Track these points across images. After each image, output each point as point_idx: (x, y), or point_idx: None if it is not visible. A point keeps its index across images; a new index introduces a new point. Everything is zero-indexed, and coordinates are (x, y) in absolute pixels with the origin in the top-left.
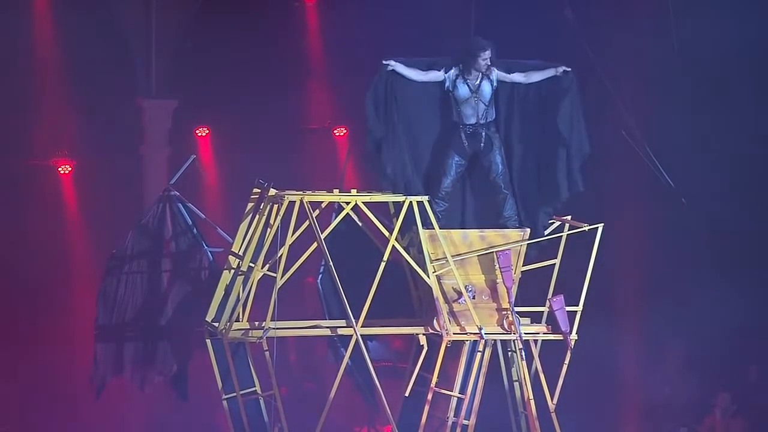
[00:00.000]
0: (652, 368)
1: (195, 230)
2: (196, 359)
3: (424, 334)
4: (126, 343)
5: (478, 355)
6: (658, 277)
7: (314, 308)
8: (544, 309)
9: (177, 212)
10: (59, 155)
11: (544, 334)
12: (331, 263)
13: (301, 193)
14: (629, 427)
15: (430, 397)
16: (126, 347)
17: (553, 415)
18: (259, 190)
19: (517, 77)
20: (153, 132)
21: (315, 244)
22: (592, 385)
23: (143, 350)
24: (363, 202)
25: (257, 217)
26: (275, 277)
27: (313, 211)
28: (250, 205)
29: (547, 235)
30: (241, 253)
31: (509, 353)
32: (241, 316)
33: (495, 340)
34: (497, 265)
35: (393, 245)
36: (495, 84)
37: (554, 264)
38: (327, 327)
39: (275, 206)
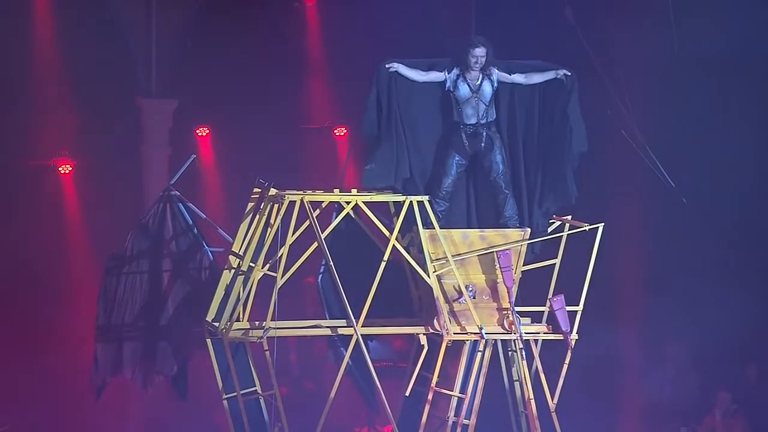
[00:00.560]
0: (652, 368)
1: (195, 230)
2: (196, 359)
3: (424, 334)
4: (126, 343)
5: (479, 354)
6: (658, 276)
7: (314, 308)
8: (545, 309)
9: (177, 212)
10: (59, 155)
11: (544, 333)
12: (331, 263)
13: (301, 192)
14: (629, 427)
15: (430, 396)
16: (126, 347)
17: (554, 415)
18: (260, 190)
19: (518, 78)
20: (153, 132)
21: (315, 244)
22: (592, 385)
23: (143, 350)
24: (363, 202)
25: (257, 216)
26: (275, 277)
27: (314, 211)
28: (250, 204)
29: (547, 235)
30: (241, 253)
31: (510, 353)
32: (241, 316)
33: (495, 339)
34: (498, 265)
35: (393, 245)
36: (496, 84)
37: (554, 264)
38: (327, 327)
39: (275, 206)
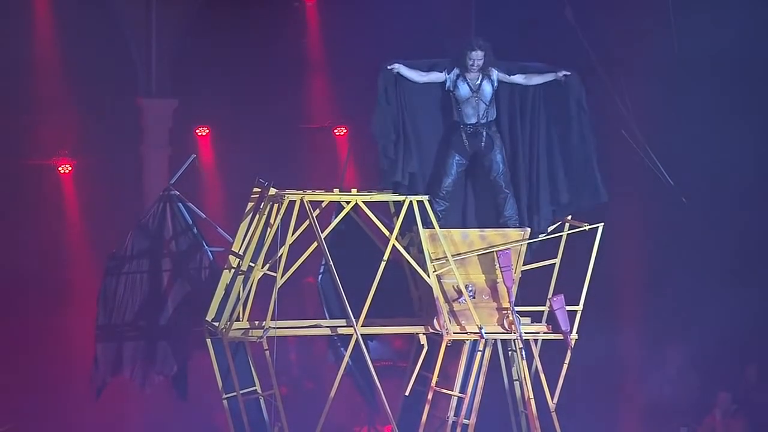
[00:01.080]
0: (652, 368)
1: (195, 230)
2: (196, 359)
3: (424, 334)
4: (126, 342)
5: (479, 354)
6: (658, 277)
7: (314, 308)
8: (545, 308)
9: (177, 212)
10: (59, 155)
11: (544, 333)
12: (331, 263)
13: (301, 192)
14: (629, 427)
15: (430, 396)
16: (126, 347)
17: (554, 415)
18: (260, 190)
19: (518, 78)
20: (153, 132)
21: (315, 244)
22: (592, 385)
23: (143, 350)
24: (363, 202)
25: (257, 216)
26: (275, 277)
27: (314, 211)
28: (250, 204)
29: (547, 235)
30: (241, 253)
31: (509, 352)
32: (241, 316)
33: (495, 339)
34: (497, 265)
35: (393, 245)
36: (496, 84)
37: (554, 264)
38: (327, 326)
39: (275, 206)
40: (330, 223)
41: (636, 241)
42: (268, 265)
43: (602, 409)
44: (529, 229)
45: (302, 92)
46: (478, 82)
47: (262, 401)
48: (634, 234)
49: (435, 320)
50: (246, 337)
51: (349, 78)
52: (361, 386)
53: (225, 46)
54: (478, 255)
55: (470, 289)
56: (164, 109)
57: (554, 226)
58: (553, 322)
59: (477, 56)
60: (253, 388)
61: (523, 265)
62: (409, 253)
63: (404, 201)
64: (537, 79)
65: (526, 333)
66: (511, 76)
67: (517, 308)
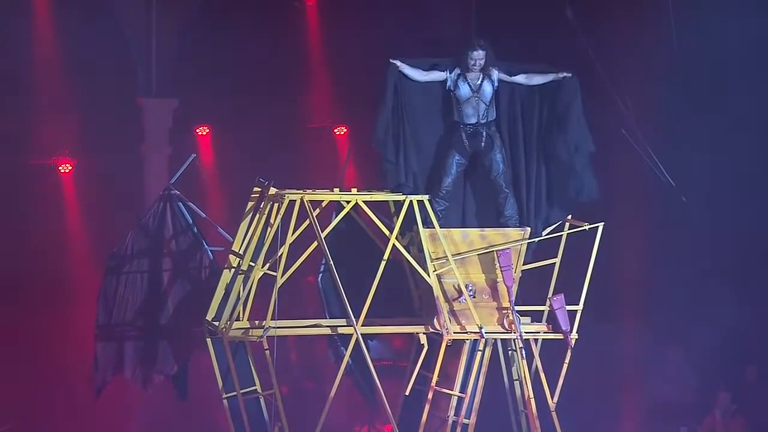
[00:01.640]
0: (652, 368)
1: (195, 229)
2: (196, 359)
3: (424, 333)
4: (126, 342)
5: (479, 354)
6: (658, 276)
7: (315, 307)
8: (545, 308)
9: (177, 211)
10: (59, 155)
11: (544, 333)
12: (331, 262)
13: (301, 192)
14: (629, 427)
15: (430, 396)
16: (126, 347)
17: (554, 414)
18: (260, 189)
19: (519, 78)
20: (153, 131)
21: (315, 243)
22: (592, 385)
23: (143, 350)
24: (363, 201)
25: (257, 216)
26: (275, 276)
27: (314, 210)
28: (250, 204)
29: (547, 235)
30: (241, 252)
31: (510, 352)
32: (241, 315)
33: (495, 339)
34: (497, 264)
35: (393, 244)
36: (496, 84)
37: (554, 264)
38: (327, 326)
39: (275, 205)
40: (330, 223)
41: (636, 241)
42: (268, 264)
43: (602, 409)
44: (529, 229)
45: (302, 92)
46: (479, 82)
47: (262, 401)
48: (634, 234)
49: (435, 320)
50: (246, 337)
51: (349, 78)
52: (361, 386)
53: (225, 46)
54: (478, 254)
55: (470, 288)
56: (164, 109)
57: (554, 225)
58: (553, 322)
59: (478, 56)
60: (253, 388)
61: (524, 265)
62: (409, 253)
63: (404, 201)
64: (538, 79)
65: (526, 333)
66: (513, 77)
67: (517, 308)
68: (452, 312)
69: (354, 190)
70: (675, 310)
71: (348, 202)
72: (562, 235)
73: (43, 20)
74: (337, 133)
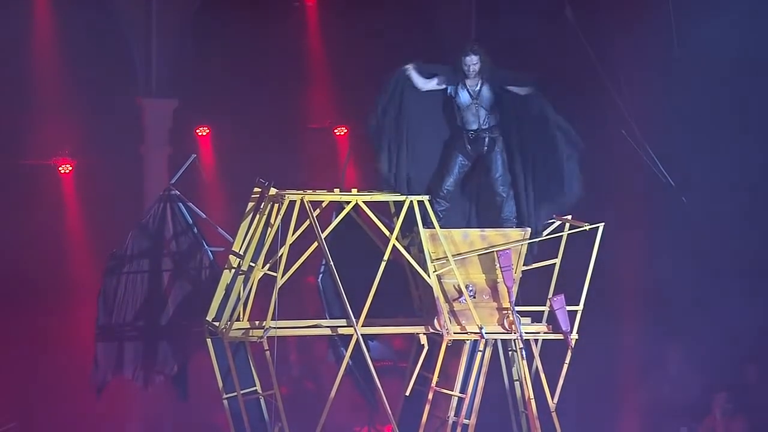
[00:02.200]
0: (652, 368)
1: (195, 230)
2: (196, 359)
3: (424, 334)
4: (126, 342)
5: (479, 354)
6: (658, 276)
7: (315, 308)
8: (545, 308)
9: (177, 212)
10: (59, 155)
11: (544, 333)
12: (331, 263)
13: (301, 192)
14: (629, 427)
15: (430, 396)
16: (126, 347)
17: (554, 415)
18: (260, 190)
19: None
20: (153, 132)
21: (315, 244)
22: (592, 385)
23: (143, 350)
24: (363, 202)
25: (258, 216)
26: (276, 277)
27: (314, 211)
28: (250, 204)
29: (547, 235)
30: (241, 253)
31: (510, 352)
32: (241, 316)
33: (495, 339)
34: (498, 265)
35: (393, 245)
36: (496, 90)
37: (554, 264)
38: (327, 326)
39: (276, 205)
40: (330, 223)
41: (636, 241)
42: (268, 265)
43: (602, 409)
44: (529, 230)
45: (302, 92)
46: (477, 88)
47: (262, 401)
48: (634, 234)
49: (435, 320)
50: (246, 337)
51: (349, 78)
52: (361, 386)
53: (225, 46)
54: (478, 255)
55: (471, 289)
56: (164, 109)
57: (554, 226)
58: (553, 322)
59: (472, 61)
60: (254, 388)
61: (524, 266)
62: (409, 253)
63: (404, 201)
64: (517, 90)
65: (526, 333)
66: (516, 88)
67: (517, 308)
68: (452, 312)
69: (354, 191)
70: (675, 310)
71: (348, 202)
72: (562, 235)
73: (43, 20)
74: (337, 133)
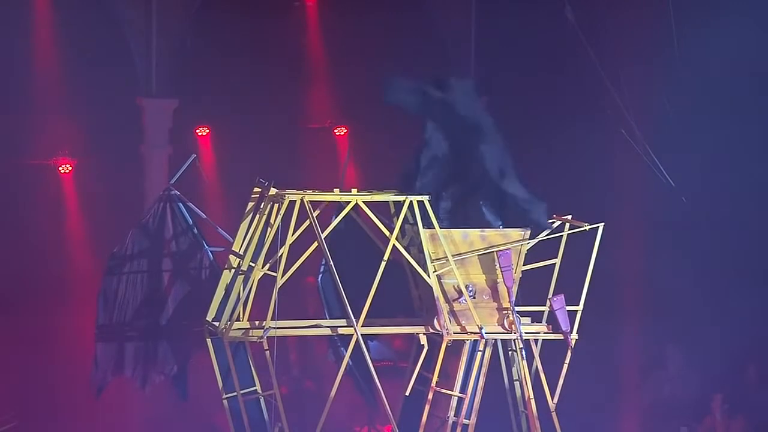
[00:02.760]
0: (652, 368)
1: (195, 230)
2: (196, 359)
3: (424, 334)
4: (126, 342)
5: (479, 354)
6: (658, 276)
7: (314, 308)
8: (545, 308)
9: (177, 212)
10: (59, 155)
11: (544, 333)
12: (331, 263)
13: (301, 192)
14: (629, 427)
15: (430, 396)
16: (126, 347)
17: (554, 415)
18: (260, 190)
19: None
20: (153, 132)
21: (315, 244)
22: (592, 385)
23: (143, 350)
24: (363, 202)
25: (258, 216)
26: (276, 277)
27: (314, 211)
28: (250, 204)
29: (547, 235)
30: (241, 253)
31: (510, 353)
32: (241, 316)
33: (495, 339)
34: (498, 265)
35: (393, 244)
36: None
37: (554, 264)
38: (327, 326)
39: (276, 205)
40: (330, 223)
41: (636, 241)
42: (268, 265)
43: (602, 409)
44: (529, 230)
45: (302, 92)
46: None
47: (262, 401)
48: (634, 234)
49: (435, 320)
50: (246, 337)
51: (349, 78)
52: (361, 386)
53: (225, 46)
54: (478, 255)
55: (470, 289)
56: (164, 109)
57: (554, 226)
58: (553, 322)
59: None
60: (254, 388)
61: (524, 266)
62: (409, 253)
63: (404, 201)
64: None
65: (526, 333)
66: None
67: (517, 308)
68: (452, 312)
69: (354, 191)
70: (675, 310)
71: (348, 202)
72: (562, 235)
73: (43, 20)
74: (337, 133)
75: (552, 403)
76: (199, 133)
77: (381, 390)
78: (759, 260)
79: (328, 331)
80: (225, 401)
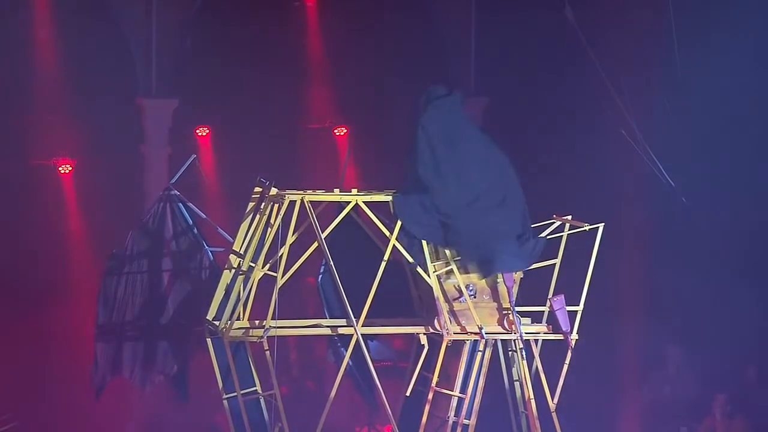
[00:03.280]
0: (652, 368)
1: (195, 230)
2: (196, 359)
3: (424, 334)
4: (126, 343)
5: (479, 354)
6: (658, 277)
7: (314, 308)
8: (545, 309)
9: (177, 212)
10: (59, 155)
11: (544, 333)
12: (331, 263)
13: (301, 192)
14: (629, 427)
15: (430, 396)
16: (126, 347)
17: (554, 415)
18: (260, 190)
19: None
20: (153, 132)
21: (315, 244)
22: (592, 385)
23: (143, 350)
24: (363, 202)
25: (258, 216)
26: (276, 277)
27: (314, 211)
28: (250, 204)
29: (547, 235)
30: (241, 253)
31: (510, 353)
32: (241, 316)
33: (495, 339)
34: None
35: (393, 245)
36: None
37: (554, 264)
38: (327, 326)
39: (276, 206)
40: (330, 223)
41: (636, 241)
42: (268, 265)
43: (602, 409)
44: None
45: (302, 92)
46: None
47: (262, 401)
48: (634, 234)
49: (435, 320)
50: (246, 337)
51: (349, 78)
52: (361, 386)
53: (225, 46)
54: None
55: (471, 289)
56: (164, 109)
57: (554, 226)
58: (553, 323)
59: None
60: (254, 388)
61: None
62: (409, 253)
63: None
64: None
65: (526, 333)
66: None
67: (517, 308)
68: (452, 312)
69: (354, 191)
70: (675, 310)
71: (348, 202)
72: (562, 235)
73: (43, 20)
74: (337, 133)
75: (552, 404)
76: (199, 133)
77: (381, 390)
78: (759, 260)
79: (328, 331)
80: (225, 401)
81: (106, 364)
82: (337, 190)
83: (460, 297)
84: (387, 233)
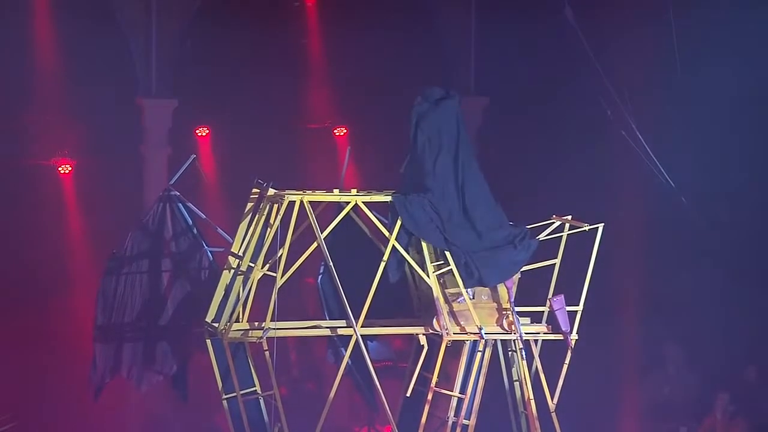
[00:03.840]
0: (652, 368)
1: (195, 230)
2: (196, 359)
3: (424, 334)
4: (125, 343)
5: (479, 354)
6: (658, 277)
7: (314, 308)
8: (545, 309)
9: (177, 212)
10: (59, 155)
11: (544, 333)
12: (331, 263)
13: (301, 192)
14: (629, 427)
15: (430, 396)
16: (125, 347)
17: (554, 415)
18: (259, 190)
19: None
20: (153, 132)
21: (315, 244)
22: (592, 385)
23: (143, 350)
24: (363, 202)
25: (257, 216)
26: (275, 277)
27: (313, 211)
28: (249, 205)
29: (547, 236)
30: (241, 253)
31: (509, 353)
32: (241, 316)
33: (495, 339)
34: None
35: (393, 245)
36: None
37: (554, 264)
38: (327, 327)
39: (275, 206)
40: (330, 223)
41: (636, 241)
42: (267, 265)
43: (602, 409)
44: (528, 230)
45: (302, 92)
46: None
47: (261, 402)
48: (634, 234)
49: (435, 320)
50: (246, 338)
51: (349, 78)
52: (361, 386)
53: (225, 46)
54: None
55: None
56: (164, 109)
57: (554, 226)
58: (553, 323)
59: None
60: (253, 389)
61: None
62: (408, 254)
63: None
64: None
65: (526, 333)
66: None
67: (517, 308)
68: (452, 313)
69: (354, 191)
70: (675, 310)
71: (348, 202)
72: (562, 236)
73: (43, 21)
74: (337, 133)
75: (552, 404)
76: (199, 133)
77: (381, 390)
78: (759, 260)
79: (327, 332)
80: (225, 402)
81: (105, 365)
82: (336, 190)
83: (459, 297)
84: (387, 233)
